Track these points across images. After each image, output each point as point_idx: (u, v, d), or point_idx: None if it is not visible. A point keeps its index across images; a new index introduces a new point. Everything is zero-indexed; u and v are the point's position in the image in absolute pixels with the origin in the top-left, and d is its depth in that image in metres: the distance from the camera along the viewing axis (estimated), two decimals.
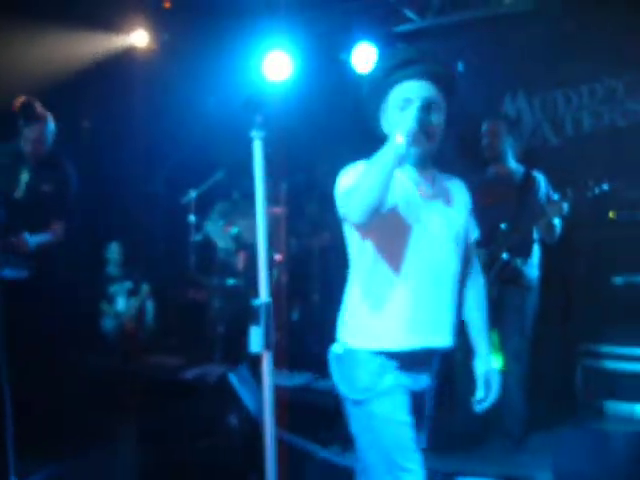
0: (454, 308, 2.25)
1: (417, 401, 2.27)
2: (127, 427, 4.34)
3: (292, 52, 5.65)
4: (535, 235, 4.05)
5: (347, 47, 5.80)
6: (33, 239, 4.16)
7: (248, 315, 2.08)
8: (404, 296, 2.17)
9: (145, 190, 6.81)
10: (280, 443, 2.17)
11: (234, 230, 5.85)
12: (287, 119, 4.78)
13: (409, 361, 2.21)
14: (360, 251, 2.25)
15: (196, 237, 6.08)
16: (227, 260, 5.92)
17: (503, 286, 3.97)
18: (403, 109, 2.18)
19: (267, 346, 2.05)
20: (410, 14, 5.74)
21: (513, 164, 4.28)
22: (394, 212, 2.16)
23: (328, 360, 2.36)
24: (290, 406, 3.26)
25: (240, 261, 5.84)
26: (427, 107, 2.16)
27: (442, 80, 2.22)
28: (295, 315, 6.00)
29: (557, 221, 3.96)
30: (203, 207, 6.12)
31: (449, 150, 5.17)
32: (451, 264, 2.24)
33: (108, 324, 6.07)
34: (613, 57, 4.93)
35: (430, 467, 2.20)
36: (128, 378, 5.04)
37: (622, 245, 4.46)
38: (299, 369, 5.24)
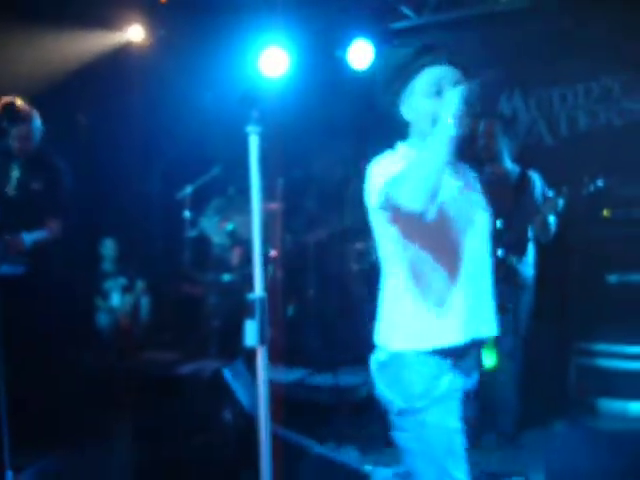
0: (493, 296, 2.25)
1: (466, 400, 2.20)
2: (122, 423, 4.34)
3: (288, 48, 5.65)
4: (530, 233, 4.07)
5: (343, 44, 5.80)
6: (29, 237, 4.16)
7: (243, 310, 2.08)
8: (456, 289, 2.12)
9: (141, 186, 6.80)
10: (275, 438, 2.18)
11: (229, 226, 5.85)
12: (283, 115, 4.78)
13: (463, 357, 2.15)
14: (402, 247, 2.15)
15: (191, 233, 6.07)
16: (222, 256, 5.92)
17: (498, 284, 3.98)
18: (437, 94, 2.12)
19: (262, 340, 2.05)
20: (407, 11, 5.75)
21: (509, 164, 4.29)
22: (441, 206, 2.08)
23: (370, 369, 2.24)
24: (285, 401, 3.26)
25: (235, 257, 5.84)
26: None
27: (465, 68, 2.20)
28: (290, 310, 6.00)
29: (552, 219, 3.98)
30: (199, 203, 6.12)
31: None
32: (489, 252, 2.23)
33: (103, 320, 6.07)
34: (609, 56, 4.94)
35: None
36: (123, 374, 5.04)
37: (616, 243, 4.47)
38: (294, 364, 5.25)
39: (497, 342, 2.36)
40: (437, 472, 2.08)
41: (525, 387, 4.15)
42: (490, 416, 3.98)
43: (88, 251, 6.15)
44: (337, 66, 5.86)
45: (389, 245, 2.19)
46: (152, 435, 4.01)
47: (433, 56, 2.16)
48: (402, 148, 2.24)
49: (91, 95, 6.23)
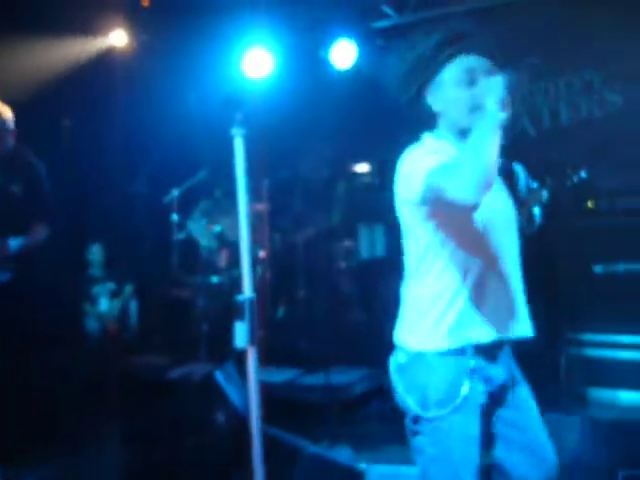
0: (524, 295, 2.17)
1: (492, 402, 2.08)
2: (113, 428, 4.33)
3: (272, 49, 5.66)
4: None
5: (326, 44, 5.81)
6: (15, 242, 4.12)
7: (232, 312, 2.09)
8: (488, 287, 2.05)
9: (127, 190, 6.78)
10: (268, 439, 2.18)
11: (217, 228, 5.85)
12: (268, 116, 4.78)
13: (489, 358, 2.05)
14: (437, 244, 2.05)
15: (179, 236, 6.07)
16: (210, 258, 5.92)
17: None
18: (471, 83, 2.05)
19: (252, 341, 2.06)
20: (388, 10, 5.77)
21: None
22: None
23: (389, 372, 2.14)
24: (277, 402, 3.27)
25: (223, 259, 5.84)
26: None
27: (494, 57, 2.13)
28: (280, 311, 6.01)
29: (537, 210, 4.00)
30: (186, 206, 6.11)
31: None
32: (517, 249, 2.19)
33: (91, 326, 6.04)
34: (590, 49, 4.98)
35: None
36: (113, 379, 5.02)
37: (601, 234, 4.50)
38: (286, 365, 5.25)
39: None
40: (450, 478, 2.03)
41: None
42: None
43: (75, 256, 6.13)
44: (320, 66, 5.87)
45: (422, 242, 2.08)
46: (144, 439, 4.00)
47: (461, 45, 2.09)
48: (429, 140, 2.15)
49: (76, 100, 6.21)
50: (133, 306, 6.25)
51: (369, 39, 5.89)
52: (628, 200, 4.66)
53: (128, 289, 6.21)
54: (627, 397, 4.41)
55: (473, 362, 2.01)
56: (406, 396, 2.06)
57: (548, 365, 4.50)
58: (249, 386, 2.10)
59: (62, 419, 4.07)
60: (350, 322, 5.77)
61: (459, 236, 2.04)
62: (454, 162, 1.91)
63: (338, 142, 6.03)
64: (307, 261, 5.85)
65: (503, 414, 2.11)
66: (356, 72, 5.85)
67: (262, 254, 5.63)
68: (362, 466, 3.24)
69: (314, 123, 5.85)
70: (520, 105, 5.42)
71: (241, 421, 3.54)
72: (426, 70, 2.10)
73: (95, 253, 6.21)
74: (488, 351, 2.04)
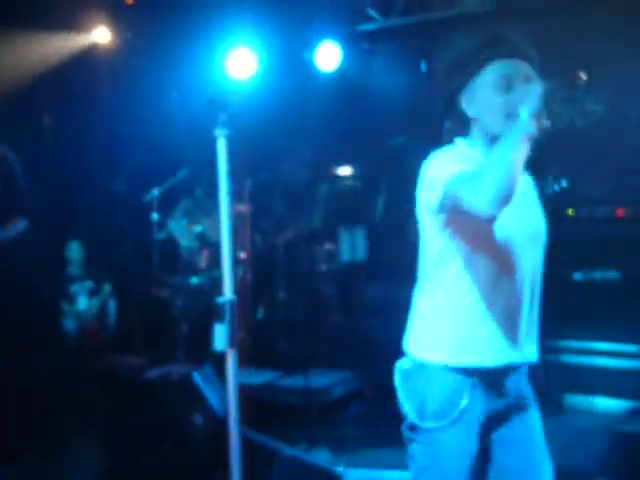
0: (538, 318, 2.08)
1: (495, 423, 2.00)
2: (90, 428, 4.30)
3: (256, 49, 5.64)
4: None
5: (311, 45, 5.81)
6: None
7: (212, 313, 2.07)
8: (502, 304, 1.95)
9: (108, 188, 6.74)
10: (246, 441, 2.17)
11: (198, 228, 5.82)
12: (251, 117, 4.77)
13: (494, 381, 1.97)
14: (452, 253, 1.97)
15: (159, 235, 6.03)
16: (190, 259, 5.89)
17: None
18: (507, 88, 1.96)
19: (231, 344, 2.04)
20: (374, 13, 5.77)
21: None
22: None
23: (394, 377, 2.06)
24: (256, 404, 3.25)
25: (203, 259, 5.82)
26: None
27: (534, 62, 2.04)
28: (260, 313, 5.99)
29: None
30: (166, 205, 6.08)
31: (412, 149, 5.23)
32: (539, 268, 2.07)
33: (69, 324, 5.99)
34: (572, 57, 5.01)
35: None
36: (90, 379, 4.98)
37: (581, 241, 4.54)
38: (265, 367, 5.24)
39: None
40: None
41: None
42: None
43: (54, 254, 6.08)
44: (305, 68, 5.87)
45: (435, 248, 2.00)
46: (121, 441, 3.97)
47: (501, 48, 2.00)
48: (461, 145, 2.06)
49: (57, 97, 6.17)
50: (112, 305, 6.21)
51: (354, 42, 5.89)
52: (607, 208, 4.70)
53: (107, 288, 6.18)
54: (603, 404, 4.45)
55: (475, 382, 1.94)
56: (405, 403, 2.01)
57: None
58: (228, 389, 2.08)
59: (38, 419, 4.03)
60: (330, 325, 5.77)
61: (474, 249, 1.95)
62: (474, 171, 1.81)
63: (321, 144, 6.03)
64: (288, 263, 5.84)
65: (503, 436, 2.03)
66: (340, 75, 5.85)
67: (243, 255, 5.61)
68: (340, 469, 3.24)
69: (297, 125, 5.85)
70: None
71: (219, 423, 3.53)
72: (464, 72, 2.02)
73: (74, 251, 6.17)
74: (492, 374, 1.96)
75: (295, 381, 4.86)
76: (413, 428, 1.99)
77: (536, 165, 2.20)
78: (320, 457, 3.77)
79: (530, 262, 2.01)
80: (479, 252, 1.94)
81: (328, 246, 6.04)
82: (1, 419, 3.77)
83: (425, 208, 1.99)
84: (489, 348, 1.94)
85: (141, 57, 6.23)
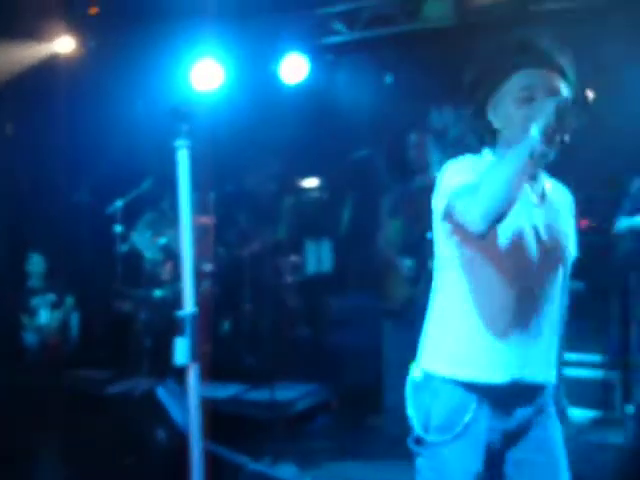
0: (557, 336, 1.99)
1: (508, 443, 1.93)
2: (51, 444, 4.22)
3: (222, 61, 5.63)
4: None
5: (276, 58, 5.81)
6: None
7: (174, 327, 2.04)
8: (512, 320, 1.86)
9: (70, 199, 6.65)
10: (209, 456, 2.14)
11: (162, 240, 5.77)
12: (216, 128, 4.75)
13: (501, 398, 1.89)
14: (459, 263, 1.91)
15: (122, 248, 5.95)
16: (154, 271, 5.83)
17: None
18: (529, 101, 1.85)
19: (193, 357, 2.01)
20: (339, 26, 5.80)
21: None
22: (509, 220, 1.79)
23: (405, 389, 2.00)
24: (221, 418, 3.22)
25: (167, 272, 5.76)
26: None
27: (564, 72, 1.89)
28: (225, 325, 5.95)
29: None
30: (130, 217, 6.01)
31: (377, 161, 5.25)
32: (555, 285, 1.94)
33: (30, 338, 5.89)
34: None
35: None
36: (52, 393, 4.90)
37: None
38: (230, 380, 5.20)
39: None
40: None
41: None
42: None
43: (13, 266, 5.98)
44: (270, 80, 5.87)
45: (444, 254, 1.95)
46: (82, 456, 3.90)
47: (528, 56, 1.88)
48: (488, 156, 1.98)
49: (20, 107, 6.08)
50: (74, 318, 6.14)
51: (319, 54, 5.91)
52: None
53: (69, 301, 6.09)
54: (577, 414, 4.48)
55: (483, 396, 1.87)
56: (413, 415, 1.94)
57: None
58: (190, 403, 2.05)
59: None
60: (296, 337, 5.75)
61: (477, 258, 1.88)
62: (472, 185, 1.75)
63: (286, 156, 6.03)
64: (253, 275, 5.81)
65: (517, 458, 1.94)
66: (306, 87, 5.86)
67: (207, 268, 5.57)
68: None
69: (263, 137, 5.84)
70: (467, 125, 5.50)
71: (182, 438, 3.48)
72: (487, 84, 1.94)
73: (35, 264, 6.08)
74: (496, 391, 1.87)
75: (261, 394, 4.83)
76: (419, 441, 1.93)
77: None
78: (286, 471, 3.74)
79: (543, 278, 1.91)
80: (483, 262, 1.87)
81: (294, 258, 6.03)
82: None
83: (435, 214, 1.95)
84: (489, 363, 1.86)
85: (105, 67, 6.17)
